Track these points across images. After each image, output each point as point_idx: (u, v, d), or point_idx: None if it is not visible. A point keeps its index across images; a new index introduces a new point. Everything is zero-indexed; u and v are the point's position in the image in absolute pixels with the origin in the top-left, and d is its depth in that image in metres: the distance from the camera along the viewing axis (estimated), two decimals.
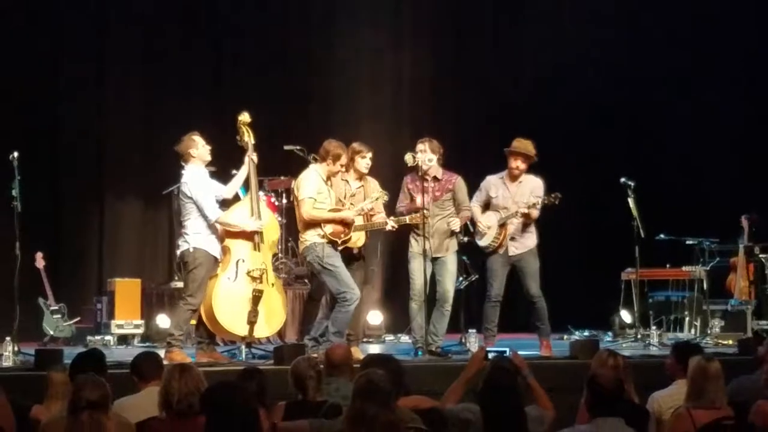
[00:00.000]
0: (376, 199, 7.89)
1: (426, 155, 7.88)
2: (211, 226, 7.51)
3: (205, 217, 7.46)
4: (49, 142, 10.76)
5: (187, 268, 7.52)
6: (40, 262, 9.60)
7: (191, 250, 7.45)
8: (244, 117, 7.84)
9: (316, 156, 7.95)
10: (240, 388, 4.18)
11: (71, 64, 10.97)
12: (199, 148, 7.55)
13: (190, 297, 7.42)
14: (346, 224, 7.72)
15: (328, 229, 7.64)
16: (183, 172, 7.63)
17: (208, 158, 7.64)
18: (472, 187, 8.34)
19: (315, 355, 6.56)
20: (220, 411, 3.98)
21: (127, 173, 11.18)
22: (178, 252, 7.76)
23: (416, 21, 12.13)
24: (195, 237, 7.46)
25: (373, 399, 4.16)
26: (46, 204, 10.37)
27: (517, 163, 8.17)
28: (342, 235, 7.69)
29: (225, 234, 7.65)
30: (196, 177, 7.50)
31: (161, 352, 6.65)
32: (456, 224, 7.95)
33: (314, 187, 7.68)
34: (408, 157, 7.91)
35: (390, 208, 8.16)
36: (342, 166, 7.74)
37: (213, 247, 7.53)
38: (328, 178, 7.78)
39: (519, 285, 8.28)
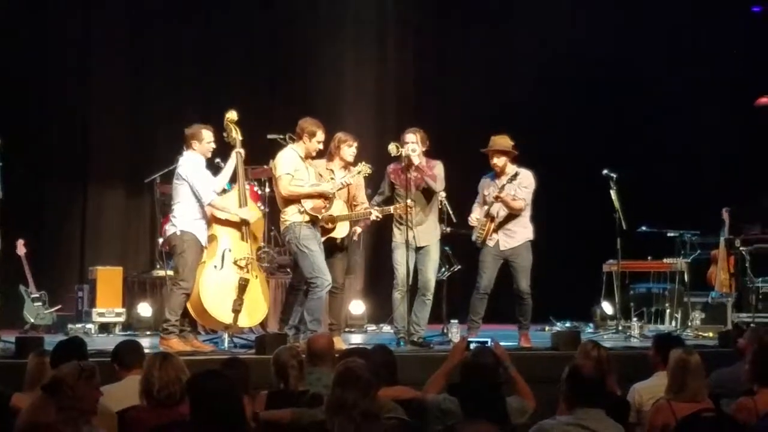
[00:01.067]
0: (359, 172, 7.88)
1: (414, 146, 7.88)
2: (201, 211, 7.49)
3: (198, 199, 7.45)
4: (32, 129, 10.69)
5: (175, 251, 7.50)
6: (21, 249, 9.55)
7: (178, 233, 7.44)
8: (232, 115, 7.87)
9: (292, 135, 7.94)
10: (225, 376, 4.18)
11: (55, 51, 10.90)
12: (202, 143, 7.55)
13: (182, 281, 7.41)
14: (326, 198, 7.70)
15: (308, 204, 7.63)
16: (180, 156, 7.61)
17: (208, 155, 7.66)
18: (458, 179, 8.35)
19: (297, 344, 6.58)
20: (206, 399, 3.98)
21: (110, 161, 11.14)
22: (165, 236, 7.75)
23: (401, 11, 12.11)
24: (182, 220, 7.45)
25: (353, 387, 4.17)
26: (27, 191, 10.30)
27: (495, 160, 8.18)
28: (323, 210, 7.67)
29: (213, 222, 7.65)
30: (190, 162, 7.51)
31: (143, 341, 6.64)
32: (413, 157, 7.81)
33: (291, 164, 7.68)
34: (392, 147, 7.91)
35: (371, 198, 8.17)
36: (319, 143, 7.73)
37: (200, 233, 7.52)
38: (307, 156, 7.77)
39: (503, 278, 8.28)
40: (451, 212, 8.56)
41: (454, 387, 4.57)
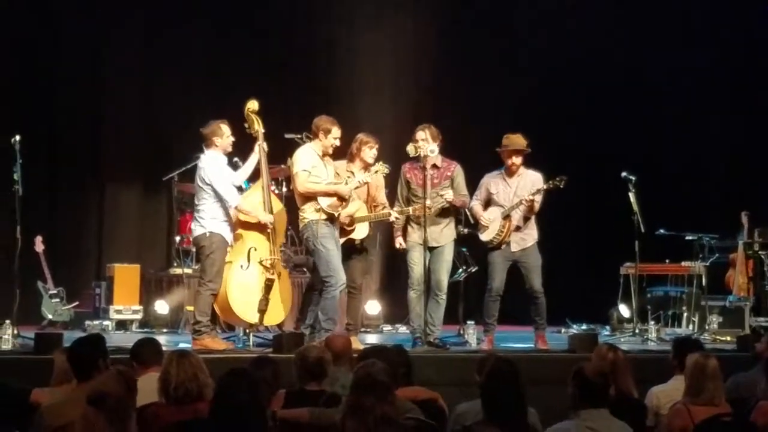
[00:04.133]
0: (375, 172, 7.88)
1: (428, 144, 7.87)
2: (226, 212, 7.51)
3: (222, 201, 7.45)
4: (48, 126, 10.76)
5: (204, 252, 7.51)
6: (39, 246, 9.60)
7: (207, 234, 7.46)
8: (253, 105, 7.81)
9: (308, 135, 7.94)
10: (249, 375, 4.18)
11: (71, 50, 10.95)
12: (224, 138, 7.55)
13: (210, 282, 7.43)
14: (343, 199, 7.70)
15: (325, 202, 7.63)
16: (201, 156, 7.62)
17: (229, 150, 7.66)
18: (471, 179, 8.33)
19: (315, 343, 6.58)
20: (227, 397, 3.99)
21: (127, 159, 11.19)
22: (192, 236, 7.77)
23: (418, 9, 12.10)
24: (211, 222, 7.47)
25: (371, 392, 4.17)
26: (45, 188, 10.37)
27: (513, 160, 8.17)
28: (339, 209, 7.67)
29: (238, 222, 7.66)
30: (213, 163, 7.50)
31: (160, 338, 6.66)
32: (450, 195, 7.88)
33: (309, 161, 7.68)
34: (410, 148, 7.90)
35: (390, 199, 8.16)
36: (335, 139, 7.71)
37: (227, 233, 7.54)
38: (324, 154, 7.76)
39: (516, 280, 8.27)
40: (469, 215, 8.53)
41: (481, 387, 4.56)
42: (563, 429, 4.43)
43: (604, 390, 4.52)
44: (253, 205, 7.70)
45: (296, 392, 5.09)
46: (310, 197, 7.67)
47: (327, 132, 7.70)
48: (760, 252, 10.00)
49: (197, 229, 7.55)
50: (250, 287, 7.61)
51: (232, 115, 7.88)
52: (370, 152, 7.89)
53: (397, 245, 8.13)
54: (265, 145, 7.80)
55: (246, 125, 7.81)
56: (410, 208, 7.92)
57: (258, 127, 7.78)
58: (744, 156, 11.70)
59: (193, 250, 9.27)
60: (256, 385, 4.09)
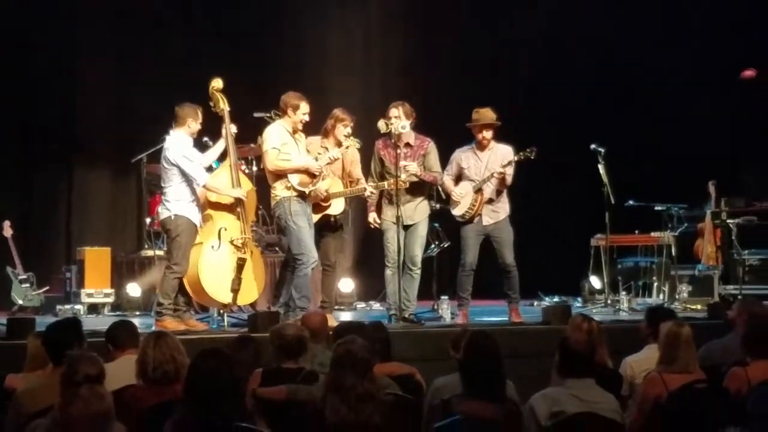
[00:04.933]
0: (346, 147, 7.86)
1: (400, 121, 7.87)
2: (193, 193, 7.45)
3: (189, 181, 7.40)
4: (18, 110, 10.62)
5: (170, 236, 7.47)
6: (7, 230, 9.52)
7: (173, 217, 7.40)
8: (217, 83, 7.76)
9: (277, 112, 7.90)
10: (224, 355, 4.18)
11: (40, 32, 10.80)
12: (196, 121, 7.49)
13: (175, 265, 7.39)
14: (313, 175, 7.67)
15: (295, 179, 7.61)
16: (166, 137, 7.56)
17: (194, 136, 7.59)
18: (445, 153, 8.33)
19: (291, 322, 6.57)
20: (200, 378, 3.99)
21: (96, 141, 11.08)
22: (159, 219, 7.71)
23: None
24: (176, 204, 7.41)
25: (351, 369, 4.18)
26: (13, 171, 10.26)
27: (483, 134, 8.18)
28: (310, 186, 7.65)
29: (207, 202, 7.62)
30: (179, 143, 7.43)
31: (133, 321, 6.62)
32: (413, 167, 7.87)
33: (279, 138, 7.65)
34: (381, 124, 7.90)
35: (364, 174, 8.14)
36: (304, 114, 7.66)
37: (194, 215, 7.48)
38: (294, 130, 7.72)
39: (489, 254, 8.30)
40: (441, 190, 8.54)
41: (461, 362, 4.59)
42: (552, 393, 4.48)
43: (589, 360, 4.57)
44: (222, 183, 7.66)
45: (273, 370, 5.09)
46: (281, 175, 7.65)
47: (295, 108, 7.65)
48: (727, 221, 10.11)
49: (163, 212, 7.51)
50: (221, 267, 7.58)
51: (202, 95, 7.82)
52: (344, 130, 7.86)
53: (371, 220, 8.14)
54: (233, 127, 7.74)
55: (211, 104, 7.75)
56: (385, 183, 7.91)
57: (223, 105, 7.73)
58: (713, 127, 11.77)
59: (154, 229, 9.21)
60: (231, 363, 4.08)
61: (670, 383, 4.95)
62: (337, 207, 7.96)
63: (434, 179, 8.07)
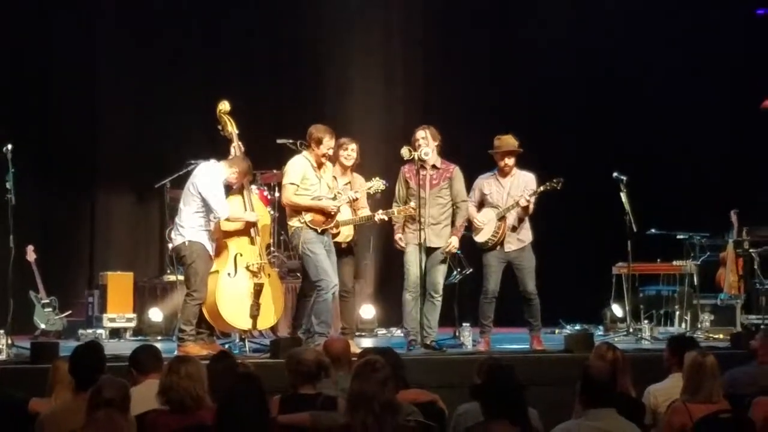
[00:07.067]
0: (369, 188, 7.87)
1: (426, 143, 7.87)
2: (207, 223, 7.48)
3: (208, 213, 7.42)
4: (40, 134, 10.70)
5: (185, 262, 7.50)
6: (31, 255, 9.56)
7: (187, 243, 7.44)
8: (224, 106, 7.80)
9: (303, 142, 7.92)
10: (256, 379, 4.19)
11: (63, 58, 10.92)
12: (237, 171, 7.51)
13: (195, 292, 7.41)
14: (328, 215, 7.68)
15: (308, 217, 7.61)
16: (200, 163, 7.61)
17: (234, 182, 7.62)
18: (467, 180, 8.34)
19: (309, 347, 6.57)
20: (234, 402, 4.00)
21: (119, 166, 11.13)
22: (172, 245, 7.74)
23: (407, 10, 12.11)
24: (190, 230, 7.44)
25: (372, 380, 4.19)
26: (36, 196, 10.32)
27: (506, 161, 8.20)
28: (323, 224, 7.64)
29: (220, 231, 7.63)
30: (210, 174, 7.45)
31: (158, 345, 6.64)
32: (455, 241, 7.96)
33: (299, 173, 7.65)
34: (404, 151, 7.89)
35: (388, 198, 8.13)
36: (329, 149, 7.65)
37: (207, 242, 7.51)
38: (319, 165, 7.73)
39: (511, 281, 8.29)
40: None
41: (475, 388, 4.57)
42: (570, 428, 4.45)
43: (610, 390, 4.54)
44: (236, 209, 7.67)
45: (292, 397, 5.08)
46: (295, 209, 7.67)
47: (318, 142, 7.63)
48: (750, 250, 10.06)
49: (177, 239, 7.54)
50: (239, 294, 7.59)
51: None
52: (344, 153, 7.86)
53: (396, 239, 8.07)
54: (240, 145, 7.74)
55: (219, 127, 7.80)
56: (395, 209, 7.89)
57: (231, 128, 7.76)
58: (734, 156, 11.74)
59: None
60: (263, 392, 4.09)
61: (694, 413, 4.92)
62: (344, 234, 7.95)
63: (464, 220, 8.05)
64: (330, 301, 7.60)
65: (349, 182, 7.97)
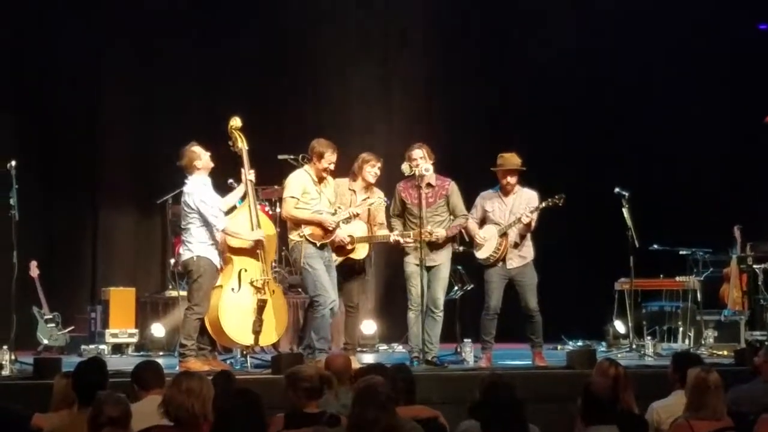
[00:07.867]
0: (370, 204, 7.88)
1: (425, 162, 7.90)
2: (213, 236, 7.50)
3: (209, 225, 7.44)
4: (44, 151, 10.73)
5: (191, 277, 7.51)
6: (34, 270, 9.58)
7: (195, 258, 7.45)
8: (236, 122, 7.83)
9: (305, 156, 7.94)
10: (255, 395, 4.18)
11: (65, 73, 10.95)
12: (202, 158, 7.54)
13: (196, 306, 7.43)
14: (326, 230, 7.68)
15: (307, 230, 7.64)
16: (186, 182, 7.61)
17: (212, 164, 7.62)
18: (466, 196, 8.36)
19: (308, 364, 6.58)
20: (233, 418, 3.98)
21: (121, 182, 11.17)
22: (180, 260, 7.76)
23: (408, 26, 12.14)
24: (198, 246, 7.46)
25: (373, 404, 4.17)
26: (40, 212, 10.34)
27: (508, 179, 8.21)
28: (322, 239, 7.66)
29: (226, 244, 7.65)
30: (198, 188, 7.48)
31: (159, 361, 6.64)
32: (441, 233, 7.92)
33: (299, 187, 7.68)
34: (405, 167, 7.94)
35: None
36: (330, 163, 7.68)
37: (214, 256, 7.53)
38: (320, 179, 7.75)
39: (513, 297, 8.29)
40: (464, 233, 8.55)
41: (475, 406, 4.57)
42: None
43: (612, 406, 4.53)
44: (239, 226, 7.68)
45: (295, 414, 5.07)
46: (295, 223, 7.67)
47: (320, 156, 7.66)
48: (753, 266, 10.03)
49: (185, 254, 7.56)
50: (242, 310, 7.59)
51: (225, 135, 7.89)
52: (371, 171, 7.91)
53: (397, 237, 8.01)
54: (251, 174, 7.77)
55: (230, 143, 7.81)
56: (411, 233, 7.90)
57: (242, 144, 7.78)
58: (736, 171, 11.74)
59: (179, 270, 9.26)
60: (261, 408, 4.08)
61: (698, 430, 4.90)
62: (360, 252, 7.96)
63: (460, 226, 8.07)
64: (327, 316, 7.60)
65: (368, 197, 7.97)
